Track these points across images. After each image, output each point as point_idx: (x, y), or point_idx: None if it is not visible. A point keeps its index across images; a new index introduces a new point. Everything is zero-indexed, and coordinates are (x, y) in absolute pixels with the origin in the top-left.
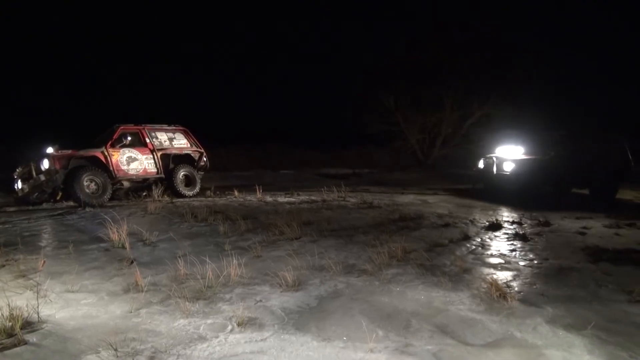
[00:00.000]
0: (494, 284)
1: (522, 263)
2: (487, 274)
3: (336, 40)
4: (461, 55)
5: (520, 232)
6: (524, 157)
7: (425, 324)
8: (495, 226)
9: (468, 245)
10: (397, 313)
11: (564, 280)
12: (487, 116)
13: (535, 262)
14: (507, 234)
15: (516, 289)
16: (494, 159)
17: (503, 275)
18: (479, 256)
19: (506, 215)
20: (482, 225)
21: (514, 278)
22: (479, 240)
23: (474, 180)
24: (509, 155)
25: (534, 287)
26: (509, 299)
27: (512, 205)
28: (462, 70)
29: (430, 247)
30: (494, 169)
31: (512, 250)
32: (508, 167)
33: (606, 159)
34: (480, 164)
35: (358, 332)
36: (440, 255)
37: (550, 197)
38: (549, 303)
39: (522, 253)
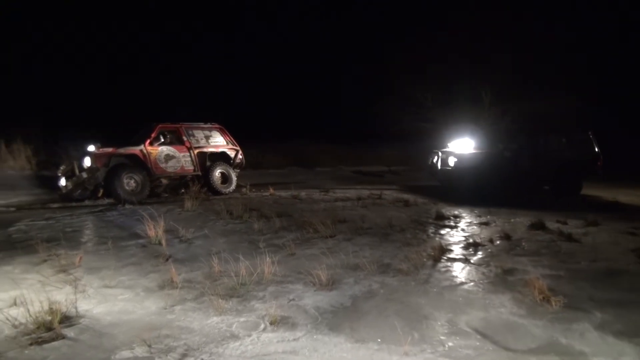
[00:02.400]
0: (537, 286)
1: (567, 264)
2: (530, 276)
3: (370, 37)
4: (497, 50)
5: (565, 232)
6: (469, 151)
7: (463, 326)
8: (538, 225)
9: (509, 245)
10: (434, 315)
11: (613, 284)
12: (527, 112)
13: (582, 263)
14: (552, 233)
15: (561, 292)
16: (439, 153)
17: (547, 277)
18: (521, 257)
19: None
20: (524, 225)
21: (559, 280)
22: (520, 240)
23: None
24: (454, 149)
25: (581, 290)
26: (554, 303)
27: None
28: (499, 65)
29: (469, 247)
30: (439, 164)
31: (556, 251)
32: (451, 162)
33: (565, 152)
34: (434, 159)
35: (393, 334)
36: (480, 255)
37: (513, 194)
38: (597, 308)
39: (568, 254)
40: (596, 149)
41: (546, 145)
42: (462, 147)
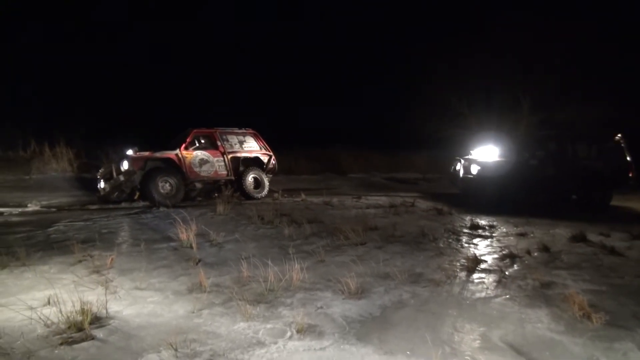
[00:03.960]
0: (577, 301)
1: (610, 279)
2: (570, 290)
3: (405, 43)
4: (538, 55)
5: (608, 245)
6: (492, 159)
7: (498, 341)
8: (580, 237)
9: (548, 257)
10: (467, 328)
11: None
12: (570, 120)
13: (626, 278)
14: (593, 246)
15: (603, 308)
16: (462, 161)
17: (587, 292)
18: (560, 270)
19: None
20: (564, 236)
21: (601, 296)
22: (560, 252)
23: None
24: (478, 157)
25: (624, 307)
26: (594, 320)
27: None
28: (540, 71)
29: (504, 258)
30: (461, 172)
31: (598, 265)
32: (474, 170)
33: (594, 161)
34: (456, 166)
35: (423, 346)
36: (516, 267)
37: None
38: None
39: (611, 268)
40: (627, 158)
41: (574, 153)
42: (485, 154)
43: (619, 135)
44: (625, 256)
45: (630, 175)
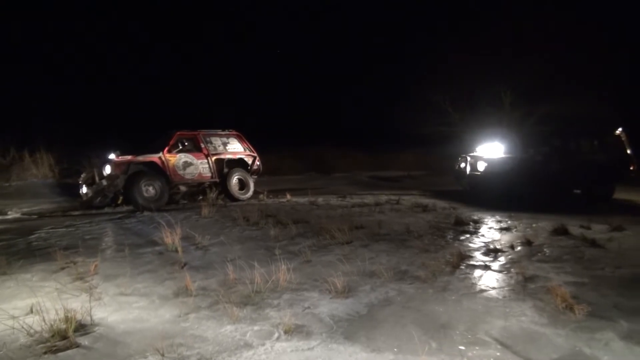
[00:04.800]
0: (559, 293)
1: (591, 271)
2: (552, 283)
3: (387, 41)
4: (518, 51)
5: (589, 237)
6: (499, 155)
7: (483, 336)
8: (561, 230)
9: (530, 251)
10: (452, 324)
11: None
12: (551, 115)
13: (607, 270)
14: (575, 238)
15: (585, 299)
16: (468, 158)
17: (570, 284)
18: (543, 263)
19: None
20: (547, 230)
21: (583, 287)
22: (542, 246)
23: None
24: (484, 154)
25: (606, 298)
26: (577, 311)
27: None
28: (522, 68)
29: (488, 253)
30: (468, 169)
31: (579, 257)
32: (481, 167)
33: (597, 155)
34: (462, 164)
35: (410, 343)
36: (500, 261)
37: (543, 198)
38: (623, 316)
39: (592, 260)
40: (628, 151)
41: (577, 148)
42: (490, 151)
43: (620, 129)
44: (606, 248)
45: (632, 168)
